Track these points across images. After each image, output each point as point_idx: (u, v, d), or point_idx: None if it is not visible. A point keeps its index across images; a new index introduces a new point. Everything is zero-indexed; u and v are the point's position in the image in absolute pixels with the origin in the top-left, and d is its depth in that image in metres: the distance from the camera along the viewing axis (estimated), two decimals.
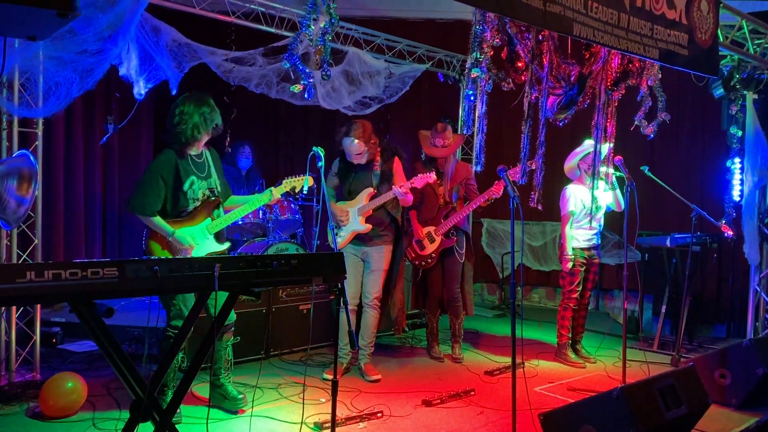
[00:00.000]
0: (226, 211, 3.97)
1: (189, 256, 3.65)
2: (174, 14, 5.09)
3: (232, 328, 4.03)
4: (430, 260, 5.25)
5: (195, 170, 3.78)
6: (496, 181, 4.91)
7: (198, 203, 3.78)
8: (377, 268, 4.72)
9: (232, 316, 3.97)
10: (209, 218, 3.81)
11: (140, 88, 4.65)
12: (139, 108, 7.17)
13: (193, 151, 3.80)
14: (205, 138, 3.83)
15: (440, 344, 5.48)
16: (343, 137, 4.58)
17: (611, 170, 4.94)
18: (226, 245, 3.92)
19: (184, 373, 2.74)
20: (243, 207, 3.98)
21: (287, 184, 4.07)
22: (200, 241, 3.76)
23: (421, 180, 4.68)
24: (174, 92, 4.92)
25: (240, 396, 3.94)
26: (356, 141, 4.52)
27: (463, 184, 5.30)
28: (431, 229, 5.21)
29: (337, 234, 4.59)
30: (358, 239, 4.67)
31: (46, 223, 4.79)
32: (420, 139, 5.25)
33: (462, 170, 5.31)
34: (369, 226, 4.65)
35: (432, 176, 4.71)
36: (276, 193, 3.99)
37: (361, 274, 4.74)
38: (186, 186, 3.72)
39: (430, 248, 5.22)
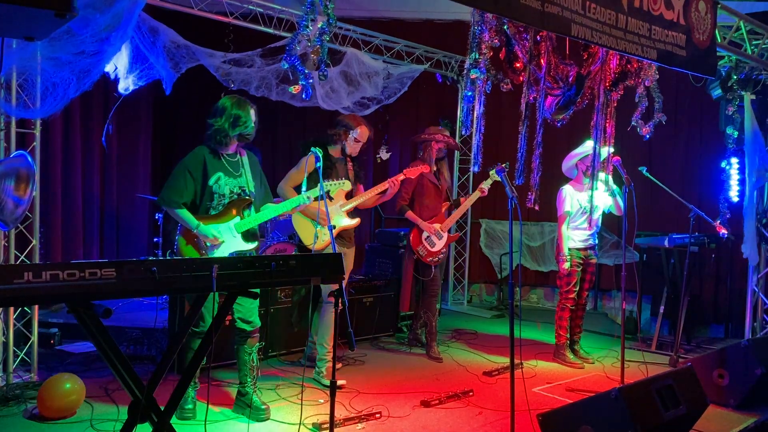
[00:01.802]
0: None
1: (214, 255, 3.65)
2: (172, 15, 5.09)
3: (257, 334, 3.94)
4: (441, 256, 5.27)
5: (226, 167, 3.81)
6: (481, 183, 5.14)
7: (225, 200, 3.79)
8: (350, 268, 4.73)
9: (257, 320, 3.91)
10: (238, 217, 3.81)
11: (128, 84, 4.66)
12: (138, 109, 7.22)
13: (226, 151, 3.84)
14: (235, 141, 3.85)
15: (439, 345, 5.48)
16: (350, 130, 4.54)
17: (610, 177, 4.97)
18: (255, 244, 3.88)
19: (183, 373, 2.74)
20: (275, 208, 3.95)
21: (327, 186, 4.02)
22: (227, 237, 3.76)
23: (414, 171, 4.80)
24: (168, 92, 4.94)
25: (263, 407, 3.86)
26: (367, 132, 4.56)
27: None
28: (437, 225, 5.23)
29: (316, 234, 4.45)
30: (339, 238, 4.54)
31: (43, 224, 4.78)
32: (431, 136, 5.22)
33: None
34: (358, 220, 4.60)
35: (426, 167, 4.87)
36: (311, 195, 3.95)
37: None
38: (211, 181, 3.76)
39: (440, 244, 5.24)
